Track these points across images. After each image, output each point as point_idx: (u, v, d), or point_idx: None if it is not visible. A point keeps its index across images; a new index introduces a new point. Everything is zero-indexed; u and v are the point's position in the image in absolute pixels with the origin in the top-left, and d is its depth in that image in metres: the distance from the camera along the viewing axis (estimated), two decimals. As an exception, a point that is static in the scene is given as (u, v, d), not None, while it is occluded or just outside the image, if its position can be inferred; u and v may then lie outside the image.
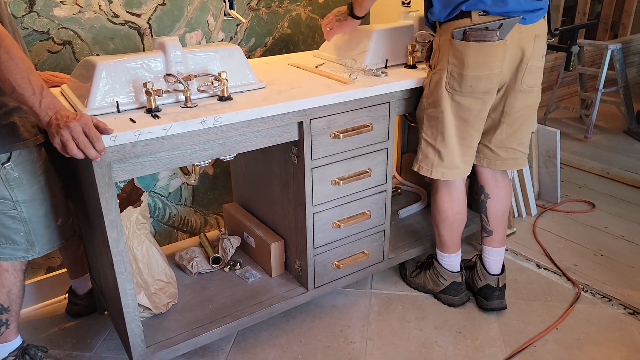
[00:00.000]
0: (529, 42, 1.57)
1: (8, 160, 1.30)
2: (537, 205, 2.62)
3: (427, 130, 1.70)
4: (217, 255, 1.91)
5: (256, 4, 2.12)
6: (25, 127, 1.32)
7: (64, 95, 1.47)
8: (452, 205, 1.80)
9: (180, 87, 1.38)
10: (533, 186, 2.59)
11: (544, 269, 2.18)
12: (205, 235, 2.08)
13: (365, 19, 2.24)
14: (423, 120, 1.71)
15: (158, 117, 1.29)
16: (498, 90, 1.63)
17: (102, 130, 1.16)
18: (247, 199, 2.04)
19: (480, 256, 1.95)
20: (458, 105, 1.62)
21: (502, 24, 1.50)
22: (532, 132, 2.51)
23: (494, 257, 1.91)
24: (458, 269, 1.93)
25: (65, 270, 1.90)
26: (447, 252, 1.90)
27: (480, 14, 1.52)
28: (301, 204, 1.67)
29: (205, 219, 2.26)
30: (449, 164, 1.70)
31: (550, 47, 3.28)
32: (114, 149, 1.20)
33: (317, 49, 2.10)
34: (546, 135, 2.56)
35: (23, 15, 1.63)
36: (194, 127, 1.30)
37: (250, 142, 1.47)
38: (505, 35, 1.52)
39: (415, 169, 1.76)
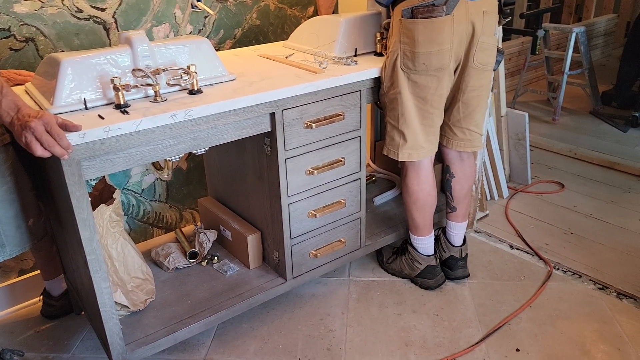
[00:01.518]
0: (477, 17, 1.60)
1: None
2: (508, 187, 2.68)
3: (389, 113, 1.73)
4: (193, 250, 1.90)
5: (224, -4, 2.09)
6: None
7: (28, 94, 1.43)
8: (422, 187, 1.83)
9: (149, 81, 1.36)
10: (504, 169, 2.64)
11: (517, 249, 2.23)
12: (181, 231, 2.06)
13: (334, 8, 2.25)
14: (386, 104, 1.73)
15: (127, 112, 1.27)
16: (455, 70, 1.68)
17: (70, 128, 1.14)
18: (222, 192, 2.03)
19: (443, 230, 2.04)
20: (415, 84, 1.64)
21: (447, 0, 1.53)
22: (502, 116, 2.56)
23: (457, 231, 2.01)
24: (432, 252, 1.97)
25: (38, 272, 1.87)
26: (420, 235, 1.93)
27: None
28: (276, 195, 1.67)
29: (181, 214, 2.24)
30: (413, 144, 1.73)
31: (516, 32, 3.34)
32: (83, 147, 1.18)
33: (287, 39, 2.09)
34: (515, 119, 2.61)
35: (-19, 12, 1.58)
36: (165, 121, 1.29)
37: (223, 135, 1.46)
38: (451, 10, 1.55)
39: (385, 153, 1.79)
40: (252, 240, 1.83)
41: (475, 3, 1.59)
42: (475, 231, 2.37)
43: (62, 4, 1.71)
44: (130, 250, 1.66)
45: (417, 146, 1.73)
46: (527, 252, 2.20)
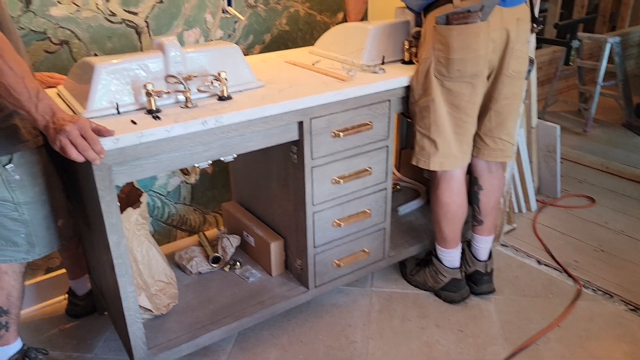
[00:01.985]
0: (512, 24, 1.58)
1: (9, 162, 1.29)
2: (537, 200, 2.62)
3: (420, 122, 1.69)
4: (216, 254, 1.90)
5: (254, 1, 2.10)
6: (26, 128, 1.31)
7: (60, 97, 1.45)
8: (454, 199, 1.80)
9: (181, 87, 1.36)
10: (533, 181, 2.59)
11: (545, 265, 2.18)
12: (204, 234, 2.07)
13: (363, 15, 2.23)
14: (415, 112, 1.70)
15: (159, 118, 1.28)
16: (488, 77, 1.65)
17: (103, 133, 1.14)
18: (247, 197, 2.03)
19: (468, 243, 2.00)
20: (448, 92, 1.62)
21: (483, 6, 1.51)
22: (532, 128, 2.51)
23: (483, 245, 1.96)
24: (457, 265, 1.94)
25: (64, 270, 1.90)
26: (447, 247, 1.90)
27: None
28: (301, 203, 1.66)
29: (204, 218, 2.25)
30: (445, 152, 1.69)
31: (550, 42, 3.27)
32: (115, 152, 1.19)
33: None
34: (546, 131, 2.55)
35: (19, 15, 1.61)
36: (196, 128, 1.29)
37: (251, 143, 1.46)
38: (487, 16, 1.53)
39: (414, 163, 1.75)
40: (275, 248, 1.82)
41: (510, 10, 1.57)
42: (502, 245, 2.32)
43: (97, 7, 1.73)
44: (154, 254, 1.67)
45: (449, 155, 1.70)
46: (556, 269, 2.15)
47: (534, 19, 1.69)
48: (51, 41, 1.69)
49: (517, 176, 2.47)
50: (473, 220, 1.96)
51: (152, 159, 1.27)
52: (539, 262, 2.20)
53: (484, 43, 1.55)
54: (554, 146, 2.54)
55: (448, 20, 1.53)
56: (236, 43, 2.11)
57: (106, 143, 1.16)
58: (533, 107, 2.46)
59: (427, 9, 1.62)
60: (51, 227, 1.42)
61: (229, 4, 2.02)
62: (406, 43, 1.82)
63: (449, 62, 1.56)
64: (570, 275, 2.10)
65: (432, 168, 1.72)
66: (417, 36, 1.84)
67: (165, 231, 2.15)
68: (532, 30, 1.70)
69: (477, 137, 1.78)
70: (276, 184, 1.78)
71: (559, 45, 3.08)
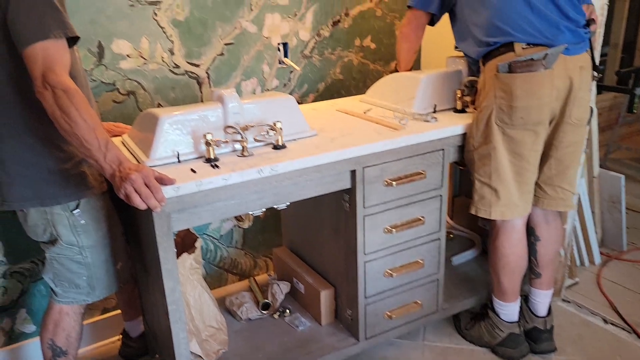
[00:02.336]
0: (575, 72, 1.57)
1: (77, 207, 1.36)
2: (600, 253, 2.47)
3: (479, 170, 1.66)
4: (266, 301, 1.90)
5: (309, 52, 2.17)
6: (93, 175, 1.38)
7: (125, 145, 1.53)
8: (514, 250, 1.73)
9: (238, 137, 1.40)
10: (596, 233, 2.45)
11: (612, 324, 2.03)
12: (254, 280, 2.08)
13: (415, 63, 2.26)
14: (474, 160, 1.67)
15: (218, 167, 1.32)
16: (549, 125, 1.62)
17: (165, 182, 1.19)
18: (297, 243, 2.03)
19: (526, 298, 1.90)
20: (510, 140, 1.59)
21: (547, 54, 1.51)
22: (594, 177, 2.40)
23: (541, 300, 1.87)
24: (516, 319, 1.84)
25: (119, 311, 1.94)
26: (506, 301, 1.81)
27: (524, 46, 1.54)
28: (352, 252, 1.64)
29: (255, 262, 2.26)
30: (507, 201, 1.65)
31: (612, 89, 3.16)
32: (174, 200, 1.23)
33: (368, 94, 2.11)
34: (609, 181, 2.43)
35: (92, 69, 1.73)
36: (252, 176, 1.32)
37: (304, 191, 1.47)
38: (551, 64, 1.53)
39: (473, 212, 1.71)
40: (326, 296, 1.80)
41: (573, 58, 1.56)
42: (564, 300, 2.19)
43: (162, 60, 1.84)
44: (206, 299, 1.69)
45: (511, 204, 1.65)
46: (624, 329, 2.00)
47: (594, 67, 1.67)
48: (119, 92, 1.80)
49: (578, 227, 2.36)
50: (530, 273, 1.87)
51: (208, 207, 1.31)
52: (605, 320, 2.06)
53: (548, 91, 1.54)
54: (618, 197, 2.42)
55: (511, 69, 1.53)
56: (291, 92, 2.17)
57: (167, 191, 1.20)
58: (594, 155, 2.36)
59: (487, 56, 1.62)
60: (111, 270, 1.47)
61: (285, 56, 2.10)
62: (458, 92, 1.82)
63: (511, 109, 1.55)
64: (640, 337, 1.94)
65: (493, 217, 1.68)
66: (469, 85, 1.83)
67: (216, 274, 2.18)
68: (592, 78, 1.67)
69: (536, 186, 1.73)
70: (327, 231, 1.77)
71: (621, 93, 2.98)
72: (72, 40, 1.25)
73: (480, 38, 1.61)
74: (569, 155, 1.67)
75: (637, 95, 2.57)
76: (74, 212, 1.35)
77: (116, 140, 1.58)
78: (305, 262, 1.98)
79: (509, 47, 1.55)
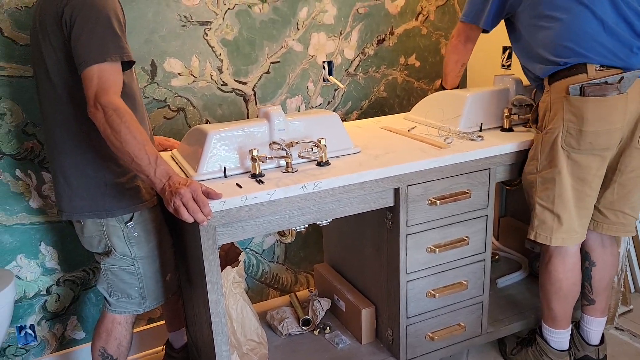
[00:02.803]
0: None
1: (131, 219, 1.41)
2: (658, 280, 2.34)
3: (541, 194, 1.60)
4: (307, 317, 1.90)
5: (354, 70, 2.18)
6: (146, 189, 1.43)
7: (174, 160, 1.58)
8: (568, 275, 1.67)
9: (283, 153, 1.43)
10: (653, 259, 2.33)
11: (670, 356, 1.92)
12: (295, 295, 2.08)
13: (461, 82, 2.24)
14: (535, 183, 1.61)
15: (262, 182, 1.34)
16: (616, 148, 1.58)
17: (212, 196, 1.22)
18: (338, 260, 2.03)
19: (577, 325, 1.82)
20: (575, 164, 1.53)
21: (622, 78, 1.45)
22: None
23: (594, 327, 1.79)
24: (566, 347, 1.76)
25: (164, 322, 1.99)
26: (557, 328, 1.74)
27: (597, 68, 1.47)
28: (394, 271, 1.62)
29: (296, 277, 2.27)
30: (568, 228, 1.59)
31: None
32: (220, 214, 1.26)
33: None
34: (667, 204, 2.31)
35: (145, 86, 1.81)
36: (295, 192, 1.34)
37: (347, 208, 1.47)
38: (626, 88, 1.47)
39: (532, 237, 1.65)
40: (366, 315, 1.78)
41: None
42: (617, 328, 2.09)
43: (211, 78, 1.90)
44: (248, 312, 1.71)
45: (571, 230, 1.60)
46: (684, 361, 1.88)
47: None
48: (170, 108, 1.87)
49: (632, 250, 2.25)
50: (583, 299, 1.80)
51: (252, 221, 1.33)
52: (662, 351, 1.94)
53: (621, 116, 1.48)
54: (678, 220, 2.29)
55: (583, 92, 1.46)
56: (335, 109, 2.19)
57: (213, 205, 1.23)
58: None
59: (554, 76, 1.55)
60: (160, 281, 1.51)
61: (330, 74, 2.13)
62: (505, 110, 1.78)
63: (581, 134, 1.49)
64: (703, 371, 1.82)
65: (553, 244, 1.62)
66: (517, 104, 1.79)
67: (258, 289, 2.20)
68: None
69: (596, 210, 1.67)
70: (369, 249, 1.76)
71: None
72: (129, 64, 1.31)
73: (547, 57, 1.54)
74: (633, 180, 1.61)
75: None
76: (128, 224, 1.41)
77: (166, 155, 1.64)
78: (346, 279, 1.98)
79: (580, 68, 1.48)
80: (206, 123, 1.92)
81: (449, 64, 1.91)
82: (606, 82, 1.45)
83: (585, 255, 1.75)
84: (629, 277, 2.26)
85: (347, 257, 1.95)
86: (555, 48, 1.52)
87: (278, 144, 1.40)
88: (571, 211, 1.58)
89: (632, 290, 2.29)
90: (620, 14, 1.47)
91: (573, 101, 1.48)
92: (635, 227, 1.75)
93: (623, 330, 2.07)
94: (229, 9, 1.87)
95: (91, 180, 1.37)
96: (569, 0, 1.48)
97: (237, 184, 1.33)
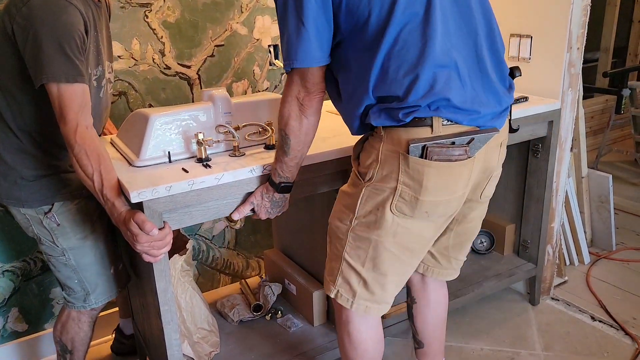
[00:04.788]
0: (495, 152, 1.26)
1: (50, 210, 1.36)
2: (590, 253, 2.50)
3: (351, 251, 1.26)
4: (258, 302, 1.89)
5: (300, 53, 2.17)
6: (70, 180, 1.37)
7: (114, 146, 1.52)
8: (371, 335, 1.36)
9: (230, 137, 1.40)
10: (585, 232, 2.48)
11: (599, 321, 2.06)
12: (246, 282, 2.07)
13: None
14: (344, 234, 1.27)
15: (209, 166, 1.31)
16: None
17: (145, 228, 1.16)
18: (289, 245, 2.03)
19: None
20: (405, 232, 1.21)
21: (473, 139, 1.14)
22: (582, 177, 2.43)
23: None
24: None
25: (116, 309, 1.92)
26: None
27: (445, 122, 1.13)
28: (345, 252, 1.64)
29: (247, 262, 2.26)
30: (378, 298, 1.29)
31: (599, 91, 3.20)
32: (166, 199, 1.22)
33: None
34: (597, 180, 2.47)
35: (82, 69, 1.72)
36: (244, 175, 1.32)
37: (296, 190, 1.47)
38: (475, 151, 1.17)
39: (332, 295, 1.33)
40: (318, 297, 1.80)
41: (495, 137, 1.22)
42: (553, 299, 2.22)
43: (153, 62, 1.83)
44: (198, 300, 1.68)
45: (381, 301, 1.30)
46: (612, 326, 2.02)
47: (510, 129, 1.37)
48: (110, 93, 1.79)
49: (567, 226, 2.38)
50: (413, 341, 1.61)
51: (200, 207, 1.30)
52: (592, 318, 2.08)
53: (465, 182, 1.19)
54: (607, 196, 2.45)
55: (425, 153, 1.12)
56: (282, 93, 2.17)
57: (159, 190, 1.19)
58: (582, 156, 2.39)
59: (381, 111, 1.15)
60: (103, 274, 1.46)
61: (276, 57, 2.10)
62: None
63: (416, 202, 1.16)
64: (627, 333, 1.97)
65: (353, 310, 1.30)
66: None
67: (209, 275, 2.17)
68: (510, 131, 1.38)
69: (428, 254, 1.44)
70: (319, 232, 1.77)
71: (609, 94, 3.02)
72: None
73: (377, 95, 1.14)
74: (470, 230, 1.41)
75: (625, 97, 2.61)
76: (47, 214, 1.35)
77: (105, 139, 1.57)
78: (296, 264, 1.98)
79: (424, 119, 1.12)
80: (149, 107, 1.86)
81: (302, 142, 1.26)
82: (453, 142, 1.13)
83: (406, 290, 1.53)
84: (564, 250, 2.40)
85: (297, 241, 1.95)
86: (390, 86, 1.13)
87: (225, 126, 1.38)
88: (387, 282, 1.27)
89: (567, 263, 2.44)
90: (474, 55, 1.16)
91: (412, 163, 1.13)
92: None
93: (558, 300, 2.21)
94: (169, -11, 1.80)
95: (7, 169, 1.32)
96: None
97: (183, 169, 1.30)
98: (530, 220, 2.13)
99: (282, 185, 1.31)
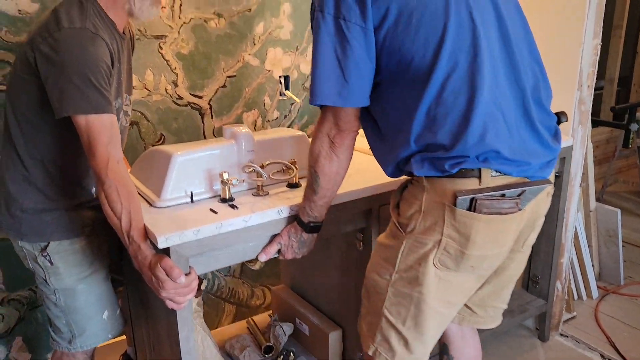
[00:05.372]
0: (543, 203, 1.20)
1: (46, 248, 1.28)
2: (598, 287, 2.49)
3: (391, 308, 1.19)
4: (269, 344, 1.82)
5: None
6: (72, 218, 1.29)
7: (131, 182, 1.45)
8: None
9: (254, 175, 1.35)
10: (593, 266, 2.48)
11: (610, 360, 2.03)
12: (253, 320, 1.99)
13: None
14: (383, 289, 1.20)
15: (236, 207, 1.25)
16: None
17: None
18: (299, 282, 1.97)
19: None
20: (448, 285, 1.15)
21: (524, 191, 1.09)
22: (590, 211, 2.43)
23: None
24: None
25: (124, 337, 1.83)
26: None
27: (493, 174, 1.08)
28: (365, 293, 1.59)
29: (252, 291, 2.20)
30: (417, 357, 1.23)
31: (606, 124, 3.22)
32: (193, 244, 1.16)
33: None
34: (605, 215, 2.47)
35: (93, 100, 1.66)
36: (272, 217, 1.26)
37: (322, 231, 1.41)
38: (526, 203, 1.11)
39: (370, 353, 1.25)
40: (334, 338, 1.73)
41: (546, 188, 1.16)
42: (561, 335, 2.19)
43: (166, 92, 1.79)
44: (209, 343, 1.60)
45: (422, 357, 1.24)
46: (623, 365, 2.00)
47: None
48: (120, 124, 1.73)
49: (575, 260, 2.37)
50: None
51: (227, 250, 1.24)
52: (602, 356, 2.05)
53: (514, 235, 1.14)
54: (615, 230, 2.45)
55: (474, 206, 1.06)
56: (291, 123, 2.14)
57: (187, 235, 1.13)
58: (591, 190, 2.40)
59: (423, 161, 1.09)
60: (94, 318, 1.37)
61: (287, 88, 2.07)
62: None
63: (462, 256, 1.11)
64: (644, 374, 1.94)
65: None
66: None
67: (214, 303, 2.09)
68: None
69: (463, 306, 1.34)
70: (335, 271, 1.71)
71: (616, 128, 3.06)
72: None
73: (420, 143, 1.08)
74: (510, 279, 1.32)
75: (632, 131, 2.64)
76: (42, 252, 1.28)
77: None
78: (308, 302, 1.91)
79: (472, 170, 1.06)
80: (161, 137, 1.81)
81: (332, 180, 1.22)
82: (504, 194, 1.08)
83: (442, 347, 1.45)
84: (572, 285, 2.38)
85: (309, 279, 1.89)
86: (436, 135, 1.07)
87: (251, 166, 1.32)
88: (428, 338, 1.21)
89: (576, 297, 2.42)
90: (522, 104, 1.11)
91: (459, 216, 1.07)
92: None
93: (567, 337, 2.18)
94: (184, 23, 1.77)
95: (10, 199, 1.27)
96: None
97: (212, 210, 1.24)
98: (540, 256, 2.11)
99: (312, 225, 1.26)
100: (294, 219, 1.29)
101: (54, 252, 1.29)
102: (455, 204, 1.05)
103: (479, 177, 1.06)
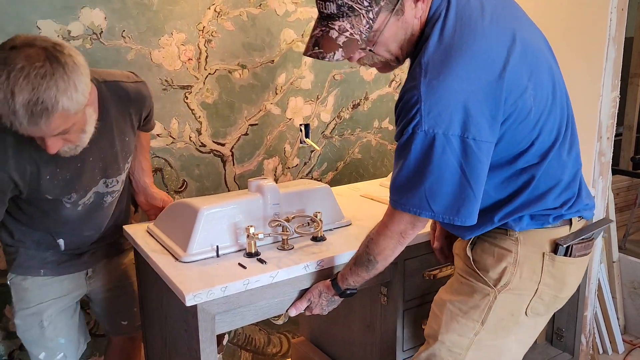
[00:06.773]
0: None
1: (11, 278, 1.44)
2: (623, 340, 2.41)
3: (473, 355, 1.20)
4: (289, 398, 1.76)
5: (330, 132, 2.16)
6: (28, 255, 1.40)
7: (152, 236, 1.43)
8: None
9: (279, 229, 1.34)
10: (618, 319, 2.40)
11: (644, 420, 1.94)
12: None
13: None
14: (464, 348, 1.19)
15: (265, 262, 1.24)
16: None
17: None
18: (320, 336, 1.92)
19: None
20: (531, 330, 1.21)
21: (600, 231, 1.21)
22: (613, 262, 2.39)
23: None
24: None
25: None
26: None
27: (578, 219, 1.17)
28: (390, 348, 1.54)
29: (269, 338, 2.15)
30: None
31: (627, 174, 3.18)
32: (221, 301, 1.14)
33: (385, 172, 2.09)
34: (629, 266, 2.42)
35: (119, 149, 1.67)
36: (299, 272, 1.24)
37: (346, 286, 1.39)
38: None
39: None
40: (356, 395, 1.67)
41: None
42: (588, 391, 2.10)
43: (190, 139, 1.81)
44: (228, 398, 1.55)
45: None
46: None
47: None
48: (146, 170, 1.74)
49: (600, 314, 2.31)
50: None
51: (252, 306, 1.21)
52: (633, 414, 1.97)
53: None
54: None
55: (570, 251, 1.13)
56: (311, 170, 2.15)
57: (214, 292, 1.11)
58: (613, 241, 2.36)
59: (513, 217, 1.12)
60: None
61: (307, 136, 2.09)
62: None
63: (555, 300, 1.17)
64: None
65: None
66: None
67: (230, 351, 2.05)
68: None
69: None
70: (358, 325, 1.67)
71: (636, 178, 3.02)
72: None
73: (524, 213, 1.12)
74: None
75: (654, 182, 2.61)
76: (8, 279, 1.43)
77: (142, 227, 1.50)
78: (330, 357, 1.86)
79: (567, 219, 1.15)
80: (183, 183, 1.83)
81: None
82: (593, 236, 1.18)
83: None
84: (597, 339, 2.31)
85: (331, 332, 1.84)
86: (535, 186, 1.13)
87: (277, 220, 1.31)
88: None
89: (601, 351, 2.34)
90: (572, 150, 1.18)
91: (559, 262, 1.13)
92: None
93: (594, 394, 2.09)
94: (209, 74, 1.81)
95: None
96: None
97: (240, 264, 1.22)
98: (565, 309, 2.05)
99: (348, 292, 1.26)
100: (321, 274, 1.28)
101: (12, 283, 1.44)
102: (556, 252, 1.12)
103: (570, 224, 1.15)
